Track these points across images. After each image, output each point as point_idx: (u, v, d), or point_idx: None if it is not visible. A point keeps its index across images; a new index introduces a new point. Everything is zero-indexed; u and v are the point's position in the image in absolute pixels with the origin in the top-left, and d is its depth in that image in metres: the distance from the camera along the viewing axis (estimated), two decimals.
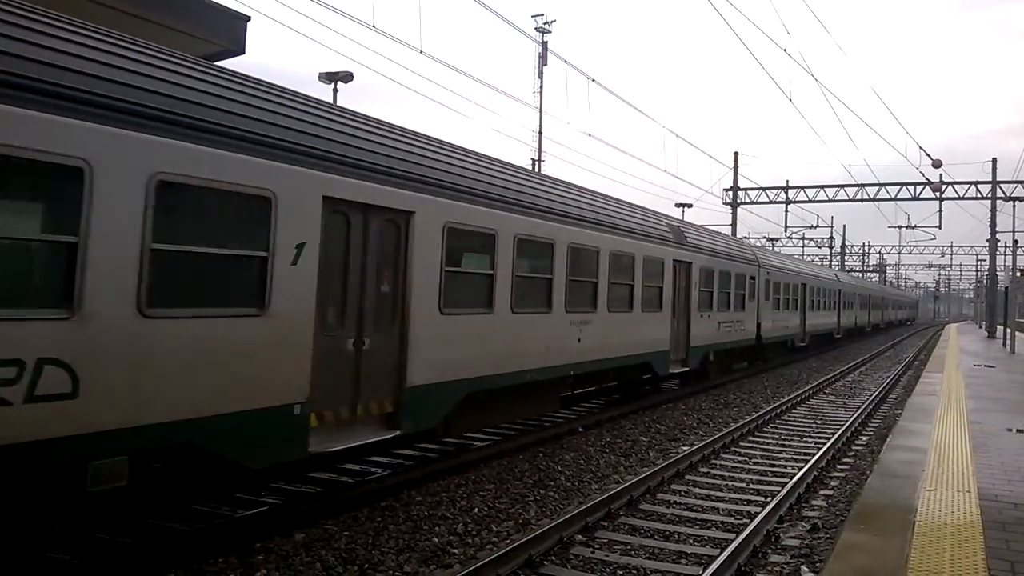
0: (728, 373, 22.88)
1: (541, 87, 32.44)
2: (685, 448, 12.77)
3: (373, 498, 8.88)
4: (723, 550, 7.48)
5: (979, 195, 39.78)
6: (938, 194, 39.61)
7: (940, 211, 47.32)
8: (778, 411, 17.36)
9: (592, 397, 17.22)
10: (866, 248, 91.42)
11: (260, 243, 7.12)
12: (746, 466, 12.00)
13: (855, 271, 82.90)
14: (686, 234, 18.78)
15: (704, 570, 7.01)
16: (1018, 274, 41.48)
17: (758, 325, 24.29)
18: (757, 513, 8.83)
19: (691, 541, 8.18)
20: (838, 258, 76.56)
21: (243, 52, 12.19)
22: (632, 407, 16.36)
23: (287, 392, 7.35)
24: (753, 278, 23.84)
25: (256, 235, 7.11)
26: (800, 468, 11.21)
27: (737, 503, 9.76)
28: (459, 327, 9.89)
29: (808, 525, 8.81)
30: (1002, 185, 39.53)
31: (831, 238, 71.24)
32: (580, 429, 13.85)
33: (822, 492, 10.49)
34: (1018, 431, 11.35)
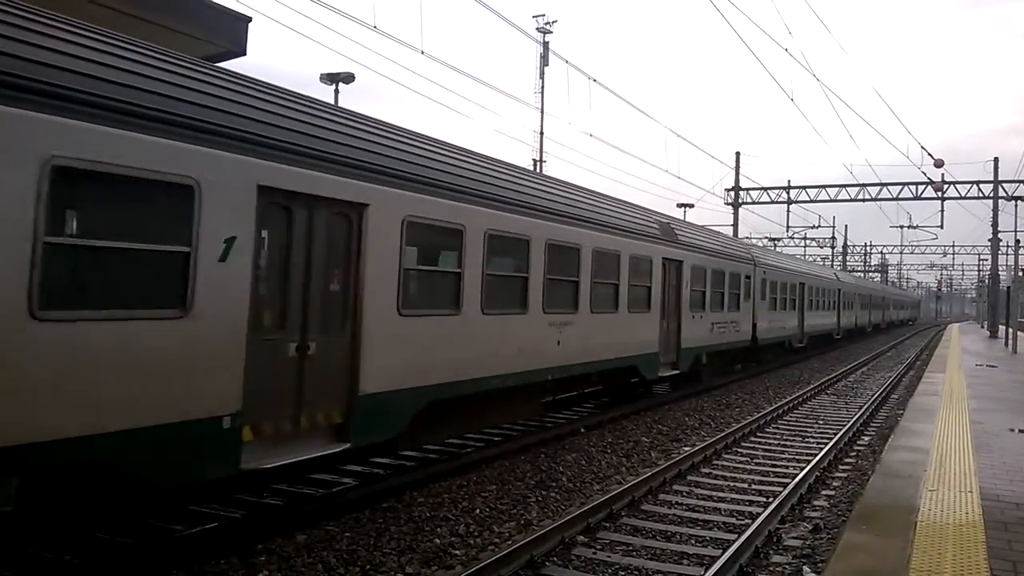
0: (722, 376, 22.33)
1: (542, 87, 32.44)
2: (687, 448, 12.77)
3: (375, 499, 8.88)
4: (725, 551, 7.47)
5: (981, 195, 39.77)
6: (940, 194, 39.58)
7: (942, 211, 47.23)
8: (780, 411, 17.35)
9: (586, 400, 16.82)
10: (868, 248, 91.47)
11: (180, 237, 6.37)
12: (748, 466, 12.00)
13: (857, 271, 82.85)
14: (676, 231, 18.13)
15: (706, 571, 7.00)
16: (1020, 274, 41.49)
17: (754, 326, 23.75)
18: (759, 513, 8.83)
19: (693, 542, 8.17)
20: (840, 258, 76.54)
21: (244, 53, 12.19)
22: (634, 408, 16.34)
23: (214, 403, 6.62)
24: (748, 277, 23.30)
25: (176, 228, 6.37)
26: (802, 468, 11.19)
27: (739, 503, 9.75)
28: (421, 329, 9.19)
29: (810, 525, 8.80)
30: (1004, 185, 39.52)
31: (833, 238, 71.29)
32: (582, 430, 13.84)
33: (824, 492, 10.48)
34: (1020, 431, 11.33)
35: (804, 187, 44.49)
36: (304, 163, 7.55)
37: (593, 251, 13.33)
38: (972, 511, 6.90)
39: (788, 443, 14.08)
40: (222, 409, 6.69)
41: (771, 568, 7.47)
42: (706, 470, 11.59)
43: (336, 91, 22.61)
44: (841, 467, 12.12)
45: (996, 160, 39.55)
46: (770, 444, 13.93)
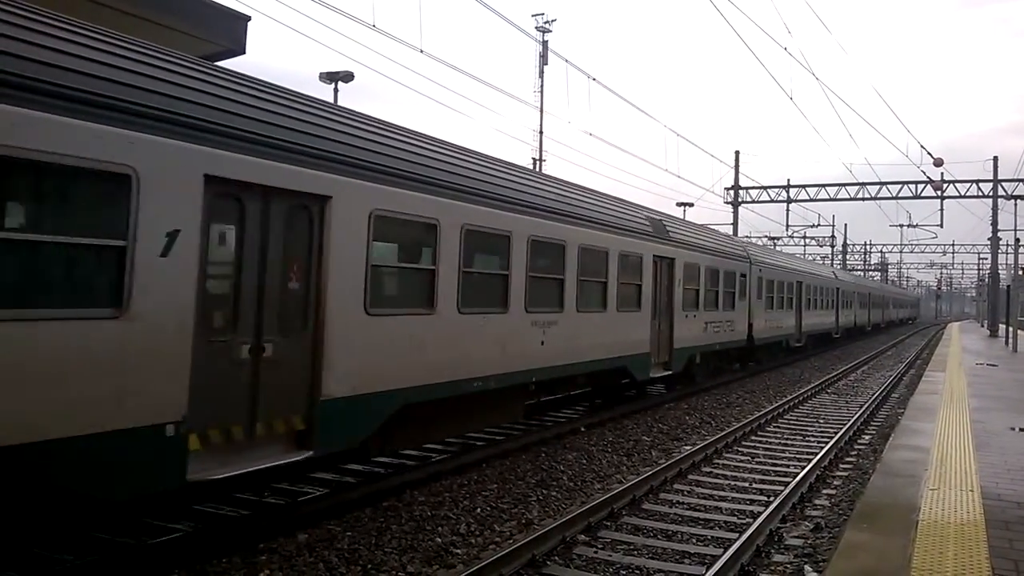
0: (717, 376, 21.91)
1: (542, 86, 32.46)
2: (688, 447, 12.77)
3: (376, 498, 8.88)
4: (726, 550, 7.48)
5: (981, 194, 39.76)
6: (939, 193, 39.59)
7: (942, 210, 47.27)
8: (780, 410, 17.36)
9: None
10: (868, 247, 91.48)
11: (115, 230, 5.86)
12: (749, 465, 12.00)
13: (857, 270, 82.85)
14: (668, 228, 17.55)
15: (707, 570, 7.01)
16: (1020, 272, 41.48)
17: (750, 325, 23.34)
18: (760, 512, 8.83)
19: (694, 541, 8.17)
20: (840, 257, 76.55)
21: (244, 52, 12.19)
22: (634, 407, 16.34)
23: (156, 410, 6.12)
24: (744, 275, 22.82)
25: (110, 221, 5.90)
26: (803, 467, 11.20)
27: (740, 502, 9.75)
28: (391, 330, 8.67)
29: (811, 524, 8.80)
30: (1004, 183, 39.51)
31: (833, 237, 71.27)
32: (582, 428, 13.84)
33: (825, 491, 10.48)
34: (1021, 430, 11.32)
35: (804, 186, 44.51)
36: (258, 152, 7.06)
37: (579, 248, 12.87)
38: (973, 510, 6.90)
39: (789, 442, 14.09)
40: (164, 417, 6.19)
41: (772, 567, 7.47)
42: (707, 469, 11.60)
43: (335, 90, 22.59)
44: (842, 466, 12.13)
45: (995, 159, 39.57)
46: (771, 443, 13.94)
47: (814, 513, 9.35)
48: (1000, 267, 45.78)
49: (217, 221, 6.81)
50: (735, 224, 43.45)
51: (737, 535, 8.04)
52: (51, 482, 5.58)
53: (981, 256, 79.84)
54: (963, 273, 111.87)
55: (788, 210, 49.84)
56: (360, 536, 7.75)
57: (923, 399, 14.69)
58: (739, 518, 9.00)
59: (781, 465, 12.03)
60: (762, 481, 10.90)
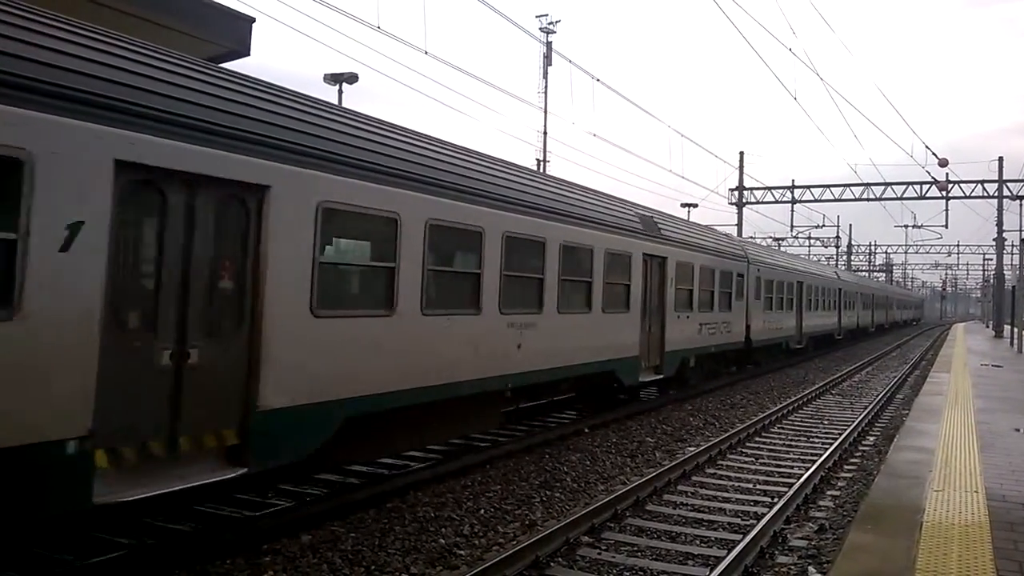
0: (713, 380, 21.20)
1: (546, 87, 32.44)
2: (691, 449, 12.75)
3: (379, 499, 8.89)
4: (730, 551, 7.47)
5: (986, 194, 39.69)
6: (944, 193, 39.54)
7: (947, 210, 47.06)
8: (785, 411, 17.32)
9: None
10: (872, 248, 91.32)
11: (3, 222, 5.28)
12: (753, 467, 11.98)
13: (861, 271, 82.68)
14: (660, 226, 16.78)
15: (711, 571, 6.99)
16: None
17: (747, 327, 22.66)
18: (764, 514, 8.81)
19: (698, 542, 8.16)
20: (844, 258, 76.41)
21: (248, 54, 12.19)
22: (638, 408, 16.32)
23: (54, 424, 5.47)
24: (741, 275, 22.08)
25: None
26: (807, 469, 11.18)
27: (744, 504, 9.74)
28: (342, 333, 7.95)
29: (815, 526, 8.79)
30: (1009, 184, 39.41)
31: (837, 237, 71.17)
32: (586, 430, 13.82)
33: (829, 493, 10.46)
34: None
35: (808, 186, 44.48)
36: (180, 135, 6.35)
37: (561, 246, 12.16)
38: (978, 511, 6.88)
39: (793, 443, 14.06)
40: (65, 431, 5.52)
41: (776, 569, 7.46)
42: (711, 470, 11.58)
43: (340, 91, 22.63)
44: (846, 467, 12.10)
45: (1001, 159, 39.47)
46: (775, 444, 13.91)
47: (818, 514, 9.33)
48: (1005, 268, 45.72)
49: (132, 212, 6.12)
50: (739, 225, 43.42)
51: (741, 536, 8.02)
52: None
53: (986, 257, 79.68)
54: (968, 274, 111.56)
55: (792, 211, 49.91)
56: (364, 537, 7.75)
57: (928, 400, 14.65)
58: (743, 519, 8.99)
59: (785, 466, 12.01)
60: (766, 482, 10.89)
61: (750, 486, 10.66)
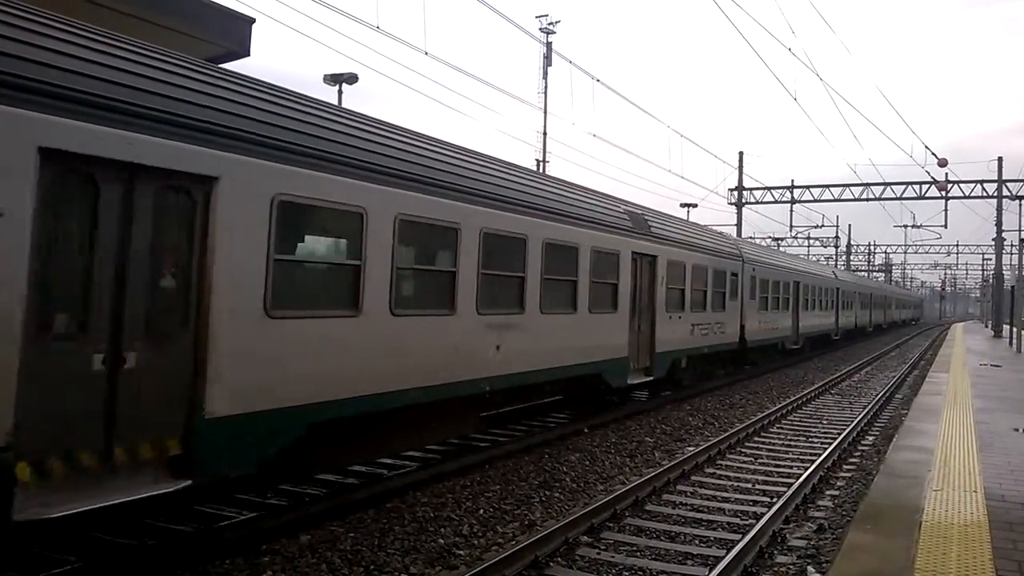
0: (707, 381, 20.77)
1: (546, 88, 32.43)
2: (691, 449, 12.76)
3: (378, 500, 8.89)
4: (729, 551, 7.48)
5: (985, 194, 39.69)
6: (944, 193, 39.54)
7: (946, 210, 47.04)
8: (784, 411, 17.33)
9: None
10: (872, 248, 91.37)
11: None
12: (752, 467, 11.99)
13: (861, 271, 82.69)
14: (651, 223, 16.31)
15: (710, 571, 7.00)
16: None
17: (742, 327, 22.24)
18: (763, 514, 8.82)
19: (697, 542, 8.16)
20: (844, 258, 76.44)
21: (248, 54, 12.19)
22: (636, 408, 16.32)
23: None
24: (735, 274, 21.70)
25: None
26: (806, 468, 11.19)
27: (743, 504, 9.74)
28: (301, 334, 7.47)
29: (814, 526, 8.79)
30: (1008, 184, 39.40)
31: (837, 237, 71.19)
32: (585, 429, 13.82)
33: (828, 492, 10.47)
34: None
35: (808, 187, 44.43)
36: (114, 121, 5.86)
37: (544, 243, 11.66)
38: (977, 511, 6.89)
39: (792, 443, 14.07)
40: None
41: (775, 568, 7.46)
42: (710, 470, 11.59)
43: (340, 92, 22.63)
44: (845, 467, 12.11)
45: (1000, 159, 39.45)
46: (774, 444, 13.92)
47: (817, 514, 9.34)
48: (1004, 268, 45.74)
49: (59, 204, 5.69)
50: (739, 225, 43.42)
51: (740, 536, 8.03)
52: None
53: (985, 257, 79.72)
54: (967, 274, 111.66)
55: (792, 211, 49.92)
56: (363, 537, 7.75)
57: (927, 400, 14.66)
58: (742, 519, 8.99)
59: (784, 466, 12.02)
60: (765, 482, 10.89)
61: (749, 486, 10.67)
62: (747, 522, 8.79)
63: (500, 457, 11.31)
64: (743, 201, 44.20)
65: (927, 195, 40.53)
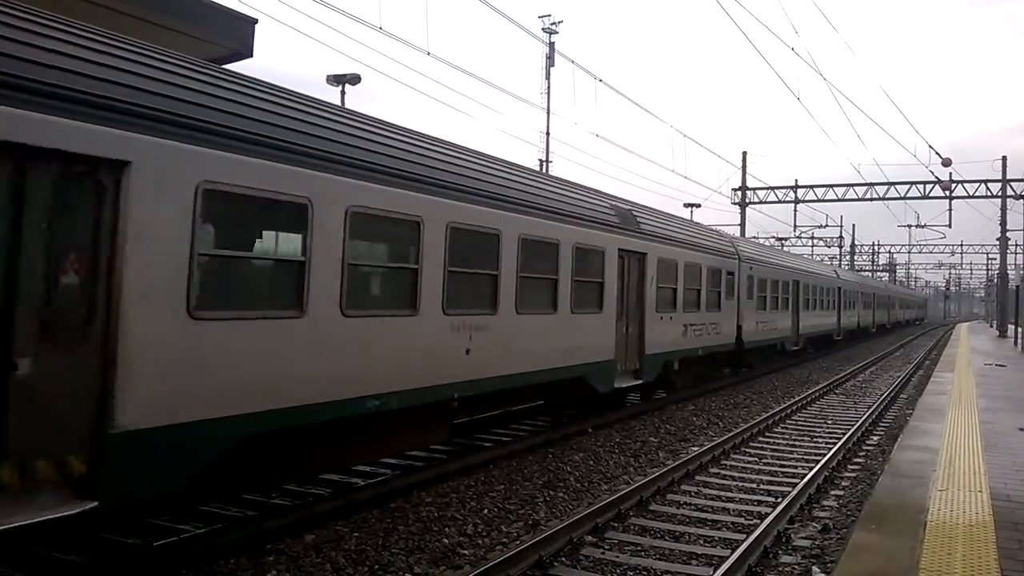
0: (702, 383, 20.06)
1: (548, 88, 32.49)
2: (695, 448, 12.75)
3: (383, 499, 8.89)
4: (734, 551, 7.47)
5: (989, 193, 39.64)
6: (948, 193, 39.49)
7: (950, 210, 47.06)
8: (788, 411, 17.31)
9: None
10: (876, 247, 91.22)
11: None
12: (756, 466, 11.97)
13: (865, 270, 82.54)
14: (639, 219, 15.52)
15: (715, 571, 7.00)
16: None
17: (739, 327, 21.53)
18: (768, 513, 8.81)
19: (701, 542, 8.16)
20: (848, 257, 76.33)
21: (251, 55, 12.21)
22: (641, 408, 16.30)
23: None
24: (731, 273, 20.94)
25: None
26: (811, 468, 11.17)
27: (747, 503, 9.73)
28: (232, 338, 6.73)
29: (819, 525, 8.78)
30: (1012, 183, 39.37)
31: (840, 237, 71.03)
32: (589, 429, 13.81)
33: (833, 492, 10.45)
34: None
35: (811, 186, 44.42)
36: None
37: (520, 239, 10.92)
38: (982, 511, 6.87)
39: (797, 443, 14.05)
40: None
41: (780, 568, 7.45)
42: (714, 470, 11.57)
43: (342, 92, 22.65)
44: (850, 467, 12.09)
45: (1004, 159, 39.43)
46: (778, 444, 13.90)
47: (822, 514, 9.33)
48: (1009, 267, 45.70)
49: None
50: (742, 225, 43.40)
51: (744, 536, 8.02)
52: None
53: (990, 256, 79.61)
54: (972, 273, 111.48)
55: (796, 211, 49.91)
56: (367, 537, 7.75)
57: (931, 400, 14.64)
58: (746, 519, 8.98)
59: (789, 466, 12.00)
60: (770, 482, 10.88)
61: (754, 486, 10.65)
62: (752, 522, 8.78)
63: (504, 457, 11.31)
64: (747, 201, 44.18)
65: (931, 195, 40.54)
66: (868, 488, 9.78)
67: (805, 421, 16.60)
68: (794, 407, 17.91)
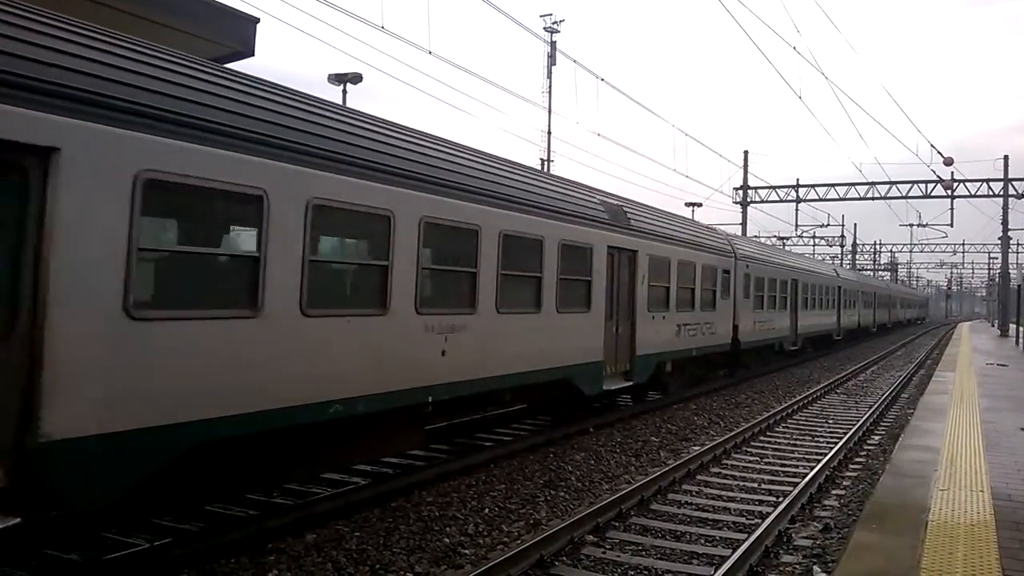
0: (699, 385, 19.65)
1: (550, 87, 32.50)
2: (696, 448, 12.74)
3: (384, 499, 8.89)
4: (735, 550, 7.46)
5: (991, 193, 39.62)
6: (949, 192, 39.49)
7: (952, 209, 47.09)
8: (789, 411, 17.30)
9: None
10: (877, 247, 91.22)
11: None
12: (757, 466, 11.97)
13: (866, 270, 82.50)
14: (630, 215, 14.98)
15: (716, 570, 7.00)
16: None
17: (735, 327, 21.04)
18: (769, 513, 8.80)
19: (702, 541, 8.16)
20: (849, 257, 76.31)
21: (253, 54, 12.22)
22: (642, 407, 16.30)
23: None
24: (727, 272, 20.42)
25: None
26: (812, 468, 11.17)
27: (749, 503, 9.73)
28: (177, 339, 6.23)
29: (820, 525, 8.77)
30: (1014, 183, 39.36)
31: (842, 236, 71.03)
32: (591, 429, 13.80)
33: (834, 492, 10.45)
34: None
35: (813, 185, 44.42)
36: None
37: (501, 235, 10.42)
38: (983, 511, 6.87)
39: (798, 442, 14.04)
40: None
41: (781, 568, 7.45)
42: (716, 469, 11.57)
43: (344, 91, 22.66)
44: (851, 466, 12.08)
45: (1006, 158, 39.41)
46: (780, 443, 13.90)
47: (823, 514, 9.32)
48: (1011, 266, 45.63)
49: None
50: (744, 224, 43.40)
51: (746, 536, 8.01)
52: None
53: (992, 255, 79.62)
54: (973, 273, 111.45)
55: (797, 210, 49.88)
56: (368, 536, 7.76)
57: (933, 399, 14.63)
58: (748, 519, 8.98)
59: (790, 465, 12.00)
60: (771, 481, 10.87)
61: (755, 485, 10.65)
62: (753, 521, 8.77)
63: (505, 456, 11.31)
64: (748, 200, 44.17)
65: (933, 194, 40.51)
66: (869, 488, 9.77)
67: (806, 420, 16.60)
68: (795, 406, 17.90)
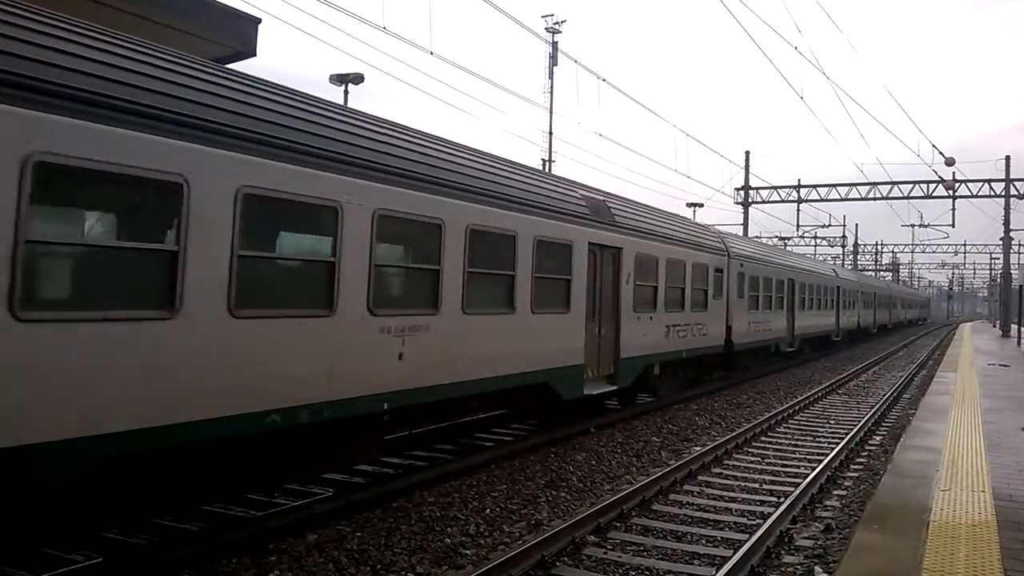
0: (690, 388, 19.05)
1: (551, 87, 32.47)
2: (697, 448, 12.74)
3: (385, 499, 8.90)
4: (736, 551, 7.46)
5: (993, 193, 39.61)
6: (951, 192, 39.48)
7: (953, 209, 47.08)
8: (791, 411, 17.30)
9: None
10: (879, 247, 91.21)
11: None
12: (759, 466, 11.96)
13: (868, 270, 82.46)
14: (614, 211, 14.34)
15: (717, 571, 6.99)
16: None
17: (728, 328, 20.37)
18: (770, 514, 8.80)
19: (704, 542, 8.15)
20: (851, 257, 76.29)
21: (254, 54, 12.23)
22: (643, 407, 16.30)
23: None
24: (720, 271, 19.74)
25: None
26: (813, 468, 11.16)
27: (750, 503, 9.72)
28: (73, 342, 5.54)
29: (822, 525, 8.77)
30: (1016, 183, 39.34)
31: (844, 237, 71.04)
32: (592, 429, 13.80)
33: (836, 492, 10.44)
34: None
35: (814, 186, 44.43)
36: None
37: (468, 230, 9.72)
38: (985, 511, 6.86)
39: (799, 443, 14.03)
40: None
41: (783, 568, 7.45)
42: (717, 470, 11.57)
43: (346, 92, 22.68)
44: (853, 467, 12.07)
45: (1008, 158, 39.39)
46: (781, 444, 13.89)
47: (825, 514, 9.32)
48: (1012, 267, 45.54)
49: None
50: (745, 224, 43.39)
51: (747, 536, 8.02)
52: None
53: (993, 256, 79.50)
54: (975, 273, 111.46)
55: (799, 210, 49.80)
56: (370, 536, 7.76)
57: (934, 400, 14.62)
58: (749, 519, 8.98)
59: (792, 466, 11.99)
60: (772, 482, 10.87)
61: (756, 486, 10.64)
62: (754, 522, 8.77)
63: (506, 456, 11.31)
64: (749, 200, 44.16)
65: (934, 194, 40.53)
66: (871, 488, 9.76)
67: (808, 421, 16.59)
68: (797, 407, 17.90)
